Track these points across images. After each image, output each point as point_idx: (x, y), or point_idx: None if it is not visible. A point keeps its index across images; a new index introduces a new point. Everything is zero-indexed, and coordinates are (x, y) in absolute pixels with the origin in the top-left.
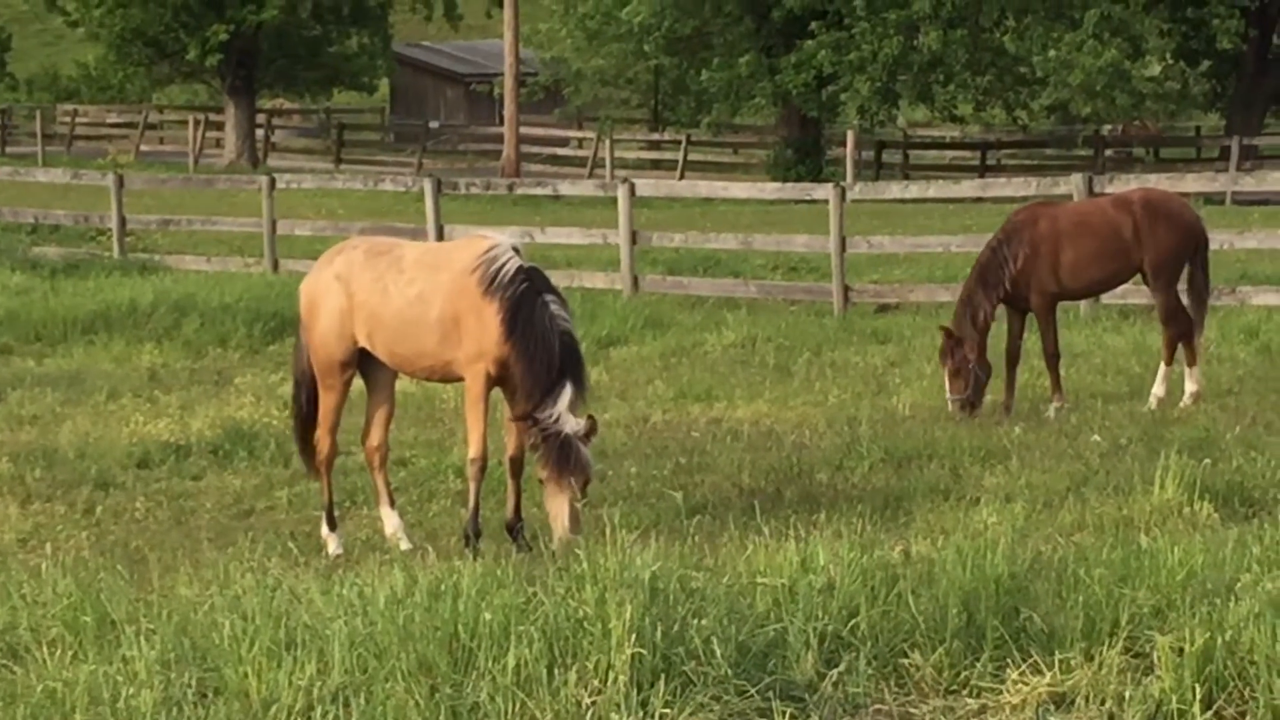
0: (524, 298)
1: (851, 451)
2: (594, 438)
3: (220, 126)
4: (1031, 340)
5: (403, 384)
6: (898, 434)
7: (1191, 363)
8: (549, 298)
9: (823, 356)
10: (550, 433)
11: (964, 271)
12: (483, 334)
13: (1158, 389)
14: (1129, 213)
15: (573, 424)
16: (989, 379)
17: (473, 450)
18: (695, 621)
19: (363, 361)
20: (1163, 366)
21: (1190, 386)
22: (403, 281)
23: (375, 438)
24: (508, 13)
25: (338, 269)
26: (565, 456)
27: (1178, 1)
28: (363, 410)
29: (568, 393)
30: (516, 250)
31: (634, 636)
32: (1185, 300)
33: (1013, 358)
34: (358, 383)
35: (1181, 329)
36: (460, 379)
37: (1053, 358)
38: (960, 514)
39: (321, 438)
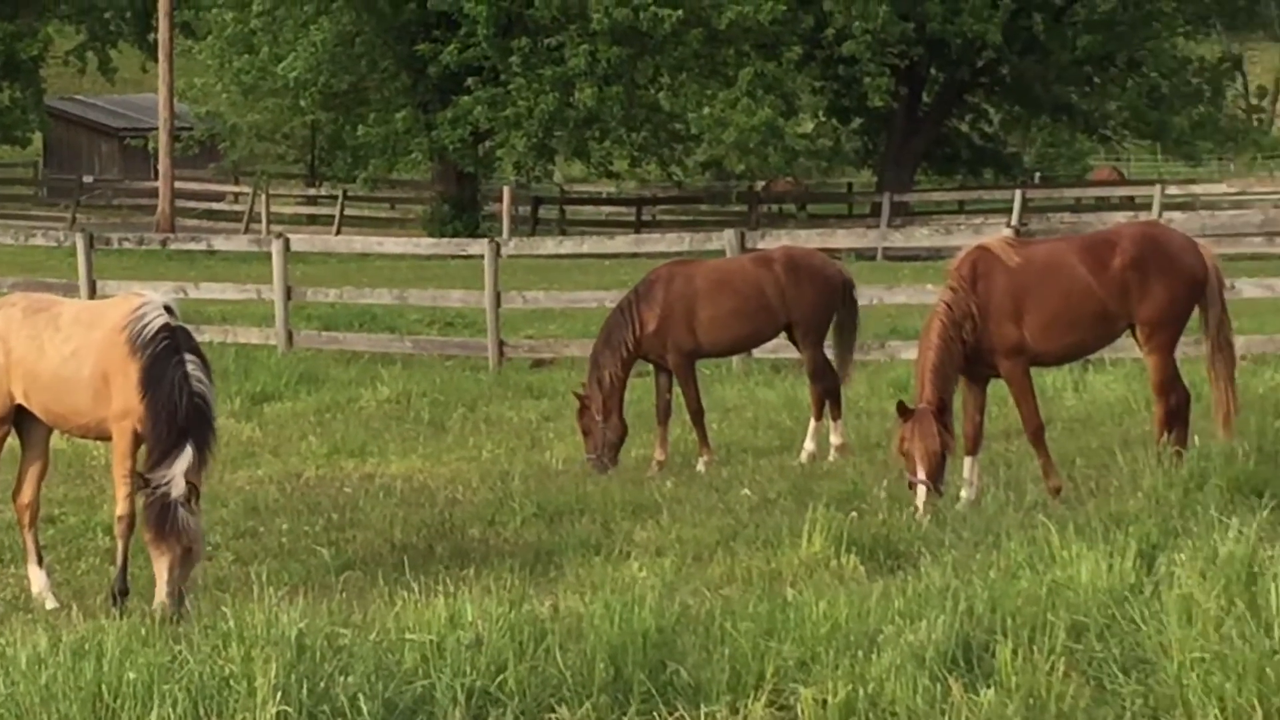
0: (161, 356)
1: (504, 506)
2: (195, 502)
3: None
4: (680, 395)
5: (54, 440)
6: (550, 489)
7: (836, 416)
8: (188, 357)
9: (477, 411)
10: (156, 495)
11: None
12: (129, 392)
13: (808, 444)
14: (770, 271)
15: (180, 488)
16: (621, 440)
17: (120, 508)
18: (342, 678)
19: (19, 417)
20: (812, 422)
21: (835, 439)
22: (59, 339)
23: (27, 494)
24: (162, 67)
25: None
26: (163, 520)
27: (829, 60)
28: (11, 467)
29: (186, 456)
30: (169, 309)
31: (279, 694)
32: (831, 353)
33: (662, 413)
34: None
35: (829, 384)
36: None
37: (697, 414)
38: (610, 568)
39: None
